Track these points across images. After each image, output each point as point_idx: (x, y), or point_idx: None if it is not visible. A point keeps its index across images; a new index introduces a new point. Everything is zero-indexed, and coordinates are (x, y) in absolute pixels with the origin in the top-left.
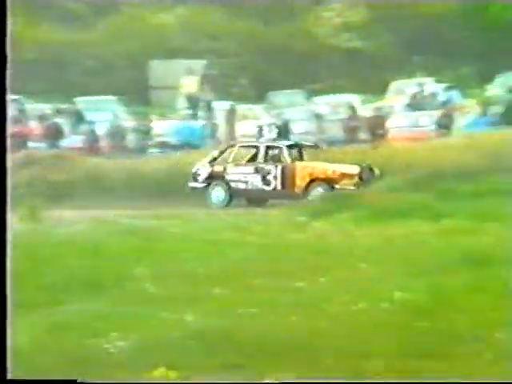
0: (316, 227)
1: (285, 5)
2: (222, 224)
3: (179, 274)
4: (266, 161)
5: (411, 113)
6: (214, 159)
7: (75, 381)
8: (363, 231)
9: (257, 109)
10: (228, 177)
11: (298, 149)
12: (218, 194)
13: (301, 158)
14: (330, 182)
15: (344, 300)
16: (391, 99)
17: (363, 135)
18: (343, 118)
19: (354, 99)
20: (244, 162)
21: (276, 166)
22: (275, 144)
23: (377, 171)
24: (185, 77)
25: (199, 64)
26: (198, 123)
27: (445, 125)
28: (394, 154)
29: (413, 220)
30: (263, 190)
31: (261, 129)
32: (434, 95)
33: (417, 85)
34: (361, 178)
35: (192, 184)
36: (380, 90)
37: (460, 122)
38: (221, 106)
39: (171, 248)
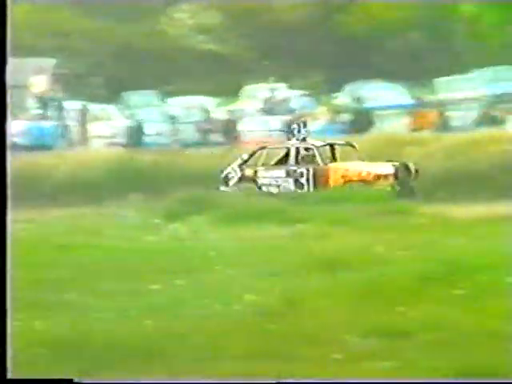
0: (172, 229)
1: (137, 4)
2: (73, 227)
3: (27, 280)
4: (297, 163)
5: (263, 117)
6: (244, 162)
7: (69, 380)
8: (219, 233)
9: (110, 109)
10: (259, 181)
11: (330, 148)
12: None
13: (334, 158)
14: (364, 184)
15: (199, 302)
16: (244, 103)
17: (217, 138)
18: (197, 120)
19: (208, 102)
20: (275, 164)
21: (308, 169)
22: (306, 145)
23: (412, 168)
24: (34, 76)
25: (49, 63)
26: (49, 124)
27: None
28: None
29: (267, 223)
30: (296, 192)
31: (291, 127)
32: (285, 101)
33: (269, 90)
34: (396, 178)
35: (223, 188)
36: (233, 93)
37: (311, 128)
38: (72, 106)
39: (19, 252)
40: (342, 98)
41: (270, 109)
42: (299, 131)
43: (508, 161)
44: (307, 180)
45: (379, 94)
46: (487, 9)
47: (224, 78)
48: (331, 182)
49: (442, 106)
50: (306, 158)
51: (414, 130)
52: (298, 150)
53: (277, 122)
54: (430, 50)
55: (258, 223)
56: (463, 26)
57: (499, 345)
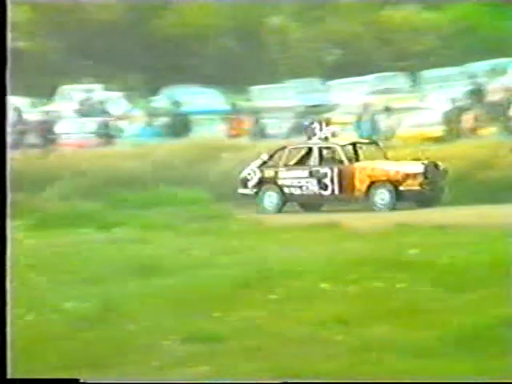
0: None
1: None
2: None
3: None
4: (320, 163)
5: (80, 119)
6: (264, 163)
7: (75, 380)
8: (33, 240)
9: None
10: (280, 181)
11: (353, 147)
12: (270, 199)
13: (357, 158)
14: (392, 184)
15: (13, 312)
16: (59, 104)
17: (32, 139)
18: (9, 121)
19: (20, 102)
20: (296, 164)
21: (332, 169)
22: (329, 144)
23: (442, 167)
24: None
25: None
26: None
27: (112, 133)
28: (64, 160)
29: (83, 228)
30: (320, 194)
31: (311, 127)
32: (102, 102)
33: (85, 91)
34: (426, 177)
35: (242, 190)
36: (47, 93)
37: (128, 130)
38: None
39: None
40: (160, 102)
41: (86, 111)
42: (320, 130)
43: None
44: (331, 180)
45: (196, 98)
46: (295, 23)
47: (37, 78)
48: (357, 182)
49: (257, 113)
50: (329, 157)
51: (231, 136)
52: (319, 150)
53: (94, 124)
54: (244, 58)
55: (73, 228)
56: (275, 37)
57: (313, 349)
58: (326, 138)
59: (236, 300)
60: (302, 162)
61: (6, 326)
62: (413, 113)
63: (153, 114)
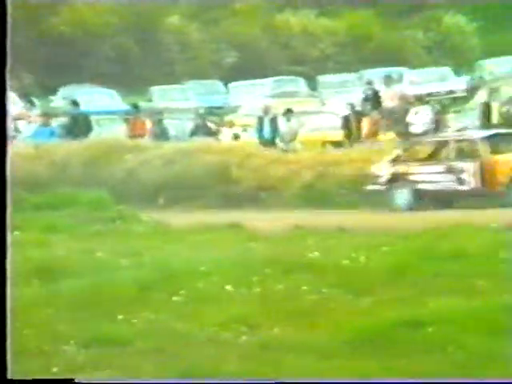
0: None
1: None
2: None
3: None
4: (455, 157)
5: None
6: (396, 158)
7: (71, 380)
8: None
9: None
10: (413, 177)
11: (494, 140)
12: (403, 196)
13: (498, 151)
14: None
15: None
16: None
17: None
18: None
19: None
20: (429, 159)
21: (471, 163)
22: (466, 137)
23: None
24: None
25: None
26: None
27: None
28: None
29: None
30: (457, 190)
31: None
32: None
33: None
34: None
35: (371, 187)
36: None
37: (25, 131)
38: None
39: None
40: (57, 101)
41: None
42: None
43: (222, 170)
44: (470, 175)
45: (95, 98)
46: (193, 24)
47: None
48: (500, 177)
49: (157, 113)
50: (466, 150)
51: (132, 136)
52: (455, 143)
53: None
54: (142, 58)
55: None
56: (174, 37)
57: (217, 350)
58: (462, 130)
59: (140, 302)
60: (435, 155)
61: (6, 327)
62: (313, 116)
63: (50, 113)
